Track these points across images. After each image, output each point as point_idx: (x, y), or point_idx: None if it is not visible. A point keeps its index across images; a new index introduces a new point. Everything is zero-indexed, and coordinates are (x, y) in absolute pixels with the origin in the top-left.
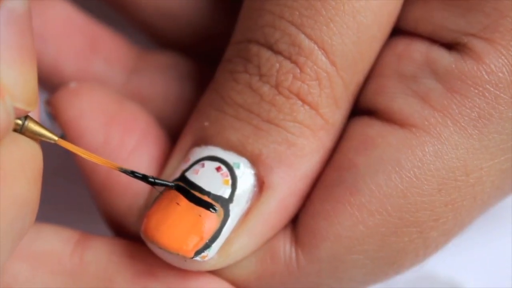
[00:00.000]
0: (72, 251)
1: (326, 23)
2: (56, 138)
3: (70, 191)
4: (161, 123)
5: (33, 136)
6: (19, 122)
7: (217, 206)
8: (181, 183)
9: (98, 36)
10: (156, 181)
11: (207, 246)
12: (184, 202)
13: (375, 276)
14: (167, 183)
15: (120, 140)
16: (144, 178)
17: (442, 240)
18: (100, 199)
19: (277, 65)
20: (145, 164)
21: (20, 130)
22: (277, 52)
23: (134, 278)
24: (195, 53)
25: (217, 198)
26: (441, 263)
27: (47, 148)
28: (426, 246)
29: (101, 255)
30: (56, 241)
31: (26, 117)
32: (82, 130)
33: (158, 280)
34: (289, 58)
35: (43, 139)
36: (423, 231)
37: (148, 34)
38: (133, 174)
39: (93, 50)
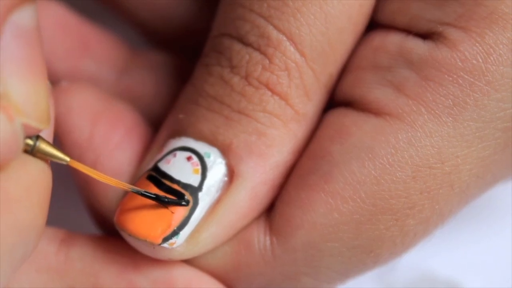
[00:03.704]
0: (57, 249)
1: (293, 14)
2: (68, 159)
3: (59, 191)
4: (151, 120)
5: (44, 157)
6: (30, 142)
7: (186, 194)
8: (153, 173)
9: (89, 35)
10: (169, 200)
11: (175, 233)
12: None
13: (353, 266)
14: (179, 202)
15: (104, 136)
16: (156, 197)
17: (420, 229)
18: (84, 195)
19: (247, 56)
20: (128, 159)
21: (30, 151)
22: (247, 44)
23: (119, 273)
24: (185, 50)
25: (186, 187)
26: (441, 263)
27: None
28: (403, 234)
29: (86, 252)
30: (41, 240)
31: (37, 137)
32: (69, 126)
33: (143, 275)
34: (258, 49)
35: (54, 160)
36: (399, 219)
37: (139, 32)
38: (145, 194)
39: (85, 49)
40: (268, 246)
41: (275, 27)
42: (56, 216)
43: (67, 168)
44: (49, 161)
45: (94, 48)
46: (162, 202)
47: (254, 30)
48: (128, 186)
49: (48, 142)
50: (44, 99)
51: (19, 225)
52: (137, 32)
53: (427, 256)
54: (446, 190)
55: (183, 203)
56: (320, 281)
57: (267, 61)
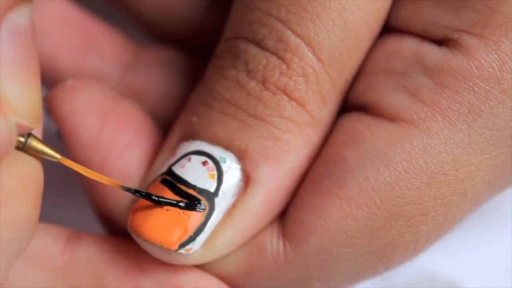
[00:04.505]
0: (63, 248)
1: (312, 19)
2: (58, 156)
3: (66, 190)
4: (157, 118)
5: (35, 154)
6: (22, 139)
7: (202, 200)
8: (167, 177)
9: (94, 31)
10: (160, 199)
11: (191, 239)
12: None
13: (364, 271)
14: (170, 201)
15: (113, 136)
16: (147, 196)
17: (432, 235)
18: (91, 196)
19: (264, 61)
20: (136, 160)
21: (22, 147)
22: (265, 48)
23: (125, 274)
24: (191, 48)
25: (203, 192)
26: (441, 263)
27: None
28: (415, 240)
29: (92, 252)
30: (47, 239)
31: (29, 135)
32: (76, 126)
33: (149, 276)
34: (276, 54)
35: (45, 157)
36: (412, 225)
37: (144, 29)
38: (136, 192)
39: (89, 45)
40: (281, 251)
41: (294, 32)
42: (61, 216)
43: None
44: (40, 158)
45: (99, 44)
46: (154, 202)
47: (272, 34)
48: (118, 184)
49: (39, 140)
50: (36, 98)
51: (15, 219)
52: (141, 28)
53: (427, 256)
54: (460, 197)
55: (180, 204)
56: (331, 285)
57: (285, 66)
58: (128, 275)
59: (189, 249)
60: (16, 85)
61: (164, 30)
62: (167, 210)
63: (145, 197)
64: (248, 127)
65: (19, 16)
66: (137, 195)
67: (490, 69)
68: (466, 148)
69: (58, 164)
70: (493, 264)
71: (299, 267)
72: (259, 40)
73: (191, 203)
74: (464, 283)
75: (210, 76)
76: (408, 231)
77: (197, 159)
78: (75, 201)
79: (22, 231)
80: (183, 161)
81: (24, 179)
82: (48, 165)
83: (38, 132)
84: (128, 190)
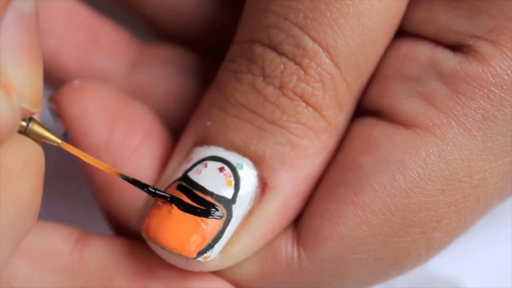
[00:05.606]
0: (72, 249)
1: (330, 25)
2: (59, 141)
3: (71, 190)
4: (164, 117)
5: (37, 138)
6: (23, 123)
7: (220, 207)
8: (183, 183)
9: (100, 29)
10: (157, 192)
11: (209, 246)
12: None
13: (376, 276)
14: (166, 195)
15: (123, 138)
16: (144, 187)
17: (445, 241)
18: (101, 198)
19: (282, 66)
20: (147, 163)
21: (24, 131)
22: (282, 54)
23: (134, 277)
24: (198, 47)
25: (220, 199)
26: (441, 263)
27: (48, 146)
28: (429, 246)
29: (101, 253)
30: (56, 239)
31: (30, 119)
32: (85, 128)
33: (158, 279)
34: (293, 59)
35: (46, 141)
36: (426, 232)
37: (150, 28)
38: (134, 182)
39: (95, 43)
40: (296, 257)
41: (311, 37)
42: (67, 216)
43: (79, 169)
44: (41, 143)
45: (105, 43)
46: (149, 193)
47: (289, 39)
48: (117, 172)
49: (40, 124)
50: (38, 83)
51: (18, 200)
52: (147, 27)
53: None
54: (473, 203)
55: (173, 200)
56: None
57: (302, 72)
58: (137, 277)
59: (207, 257)
60: (19, 69)
61: (170, 29)
62: (185, 216)
63: (142, 188)
64: (265, 133)
65: (24, 2)
66: (137, 186)
67: (506, 76)
68: (480, 154)
69: (68, 166)
70: (494, 264)
71: (313, 273)
72: (275, 44)
73: (208, 210)
74: (464, 283)
75: (223, 80)
76: (422, 238)
77: (213, 165)
78: (80, 202)
79: (25, 212)
80: (199, 167)
81: (26, 161)
82: (51, 165)
83: (38, 116)
84: (126, 178)
